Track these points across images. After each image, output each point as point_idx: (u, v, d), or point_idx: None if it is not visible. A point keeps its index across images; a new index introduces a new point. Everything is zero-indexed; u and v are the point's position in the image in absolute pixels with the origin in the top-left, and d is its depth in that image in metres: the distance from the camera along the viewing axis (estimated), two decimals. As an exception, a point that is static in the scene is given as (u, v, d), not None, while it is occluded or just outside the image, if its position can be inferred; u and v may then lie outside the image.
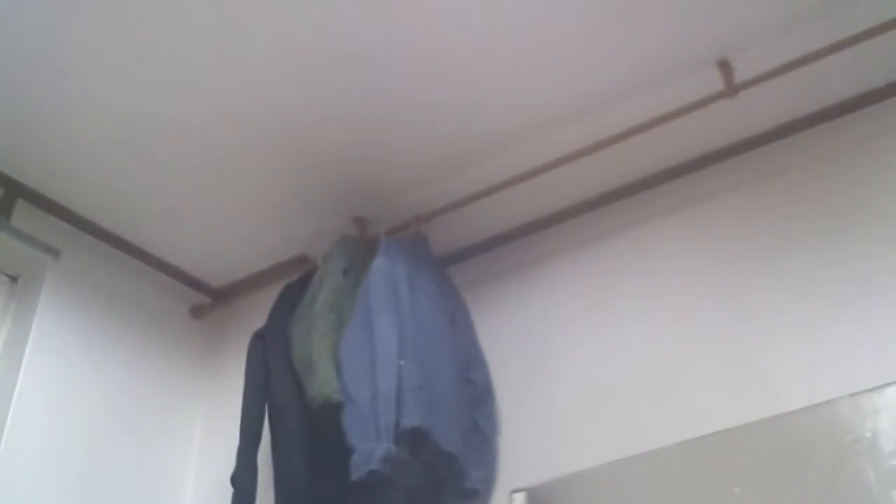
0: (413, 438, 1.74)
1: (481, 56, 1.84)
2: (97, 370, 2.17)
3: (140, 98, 1.90)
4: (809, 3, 1.74)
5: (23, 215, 2.09)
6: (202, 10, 1.72)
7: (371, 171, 2.13)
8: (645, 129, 1.91)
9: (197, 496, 2.28)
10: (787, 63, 1.77)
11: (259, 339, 2.07)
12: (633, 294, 2.01)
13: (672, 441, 1.56)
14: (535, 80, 1.90)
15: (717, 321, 1.87)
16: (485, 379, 2.05)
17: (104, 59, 1.81)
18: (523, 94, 1.93)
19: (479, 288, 2.22)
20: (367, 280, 1.95)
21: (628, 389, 1.89)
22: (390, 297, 1.91)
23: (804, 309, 1.77)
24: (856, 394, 1.40)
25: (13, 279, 2.12)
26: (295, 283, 2.17)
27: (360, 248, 2.13)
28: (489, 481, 1.93)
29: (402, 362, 1.80)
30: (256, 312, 2.16)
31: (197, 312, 2.52)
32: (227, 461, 1.93)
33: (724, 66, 1.84)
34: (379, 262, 1.97)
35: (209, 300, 2.53)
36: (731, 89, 1.83)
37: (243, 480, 1.89)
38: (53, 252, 2.08)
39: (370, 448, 1.69)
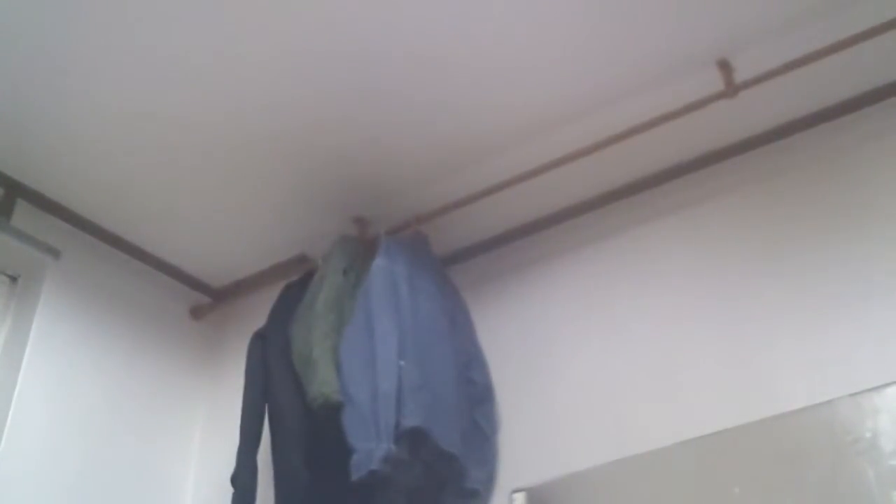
0: (413, 438, 1.74)
1: (481, 56, 1.84)
2: (97, 370, 2.17)
3: (140, 98, 1.90)
4: (809, 3, 1.74)
5: (23, 215, 2.09)
6: (202, 10, 1.72)
7: (371, 171, 2.13)
8: (645, 129, 1.91)
9: (197, 496, 2.28)
10: (787, 63, 1.77)
11: (259, 339, 2.07)
12: (633, 294, 2.01)
13: (672, 441, 1.56)
14: (535, 80, 1.90)
15: (717, 321, 1.87)
16: (485, 379, 2.05)
17: (104, 59, 1.81)
18: (523, 94, 1.93)
19: (479, 288, 2.22)
20: (367, 280, 1.95)
21: (628, 389, 1.89)
22: (390, 298, 1.91)
23: (804, 309, 1.77)
24: (856, 394, 1.40)
25: (13, 279, 2.13)
26: (295, 283, 2.17)
27: (360, 248, 2.13)
28: (489, 481, 1.93)
29: (402, 362, 1.80)
30: (256, 312, 2.17)
31: (197, 312, 2.52)
32: (227, 461, 1.93)
33: (724, 66, 1.84)
34: (379, 262, 1.97)
35: (209, 300, 2.53)
36: (731, 89, 1.83)
37: (243, 480, 1.89)
38: (53, 252, 2.08)
39: (370, 448, 1.69)
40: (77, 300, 2.17)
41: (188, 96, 1.91)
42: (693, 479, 1.51)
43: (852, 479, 1.34)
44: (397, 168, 2.13)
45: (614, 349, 1.96)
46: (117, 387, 2.21)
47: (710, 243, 1.98)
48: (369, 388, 1.77)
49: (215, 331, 2.53)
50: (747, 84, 1.81)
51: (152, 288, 2.41)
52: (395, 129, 2.01)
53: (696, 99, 1.86)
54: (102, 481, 2.09)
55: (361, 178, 2.15)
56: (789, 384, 1.69)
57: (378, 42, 1.80)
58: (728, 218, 1.98)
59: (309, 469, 1.84)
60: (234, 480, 1.89)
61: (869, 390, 1.40)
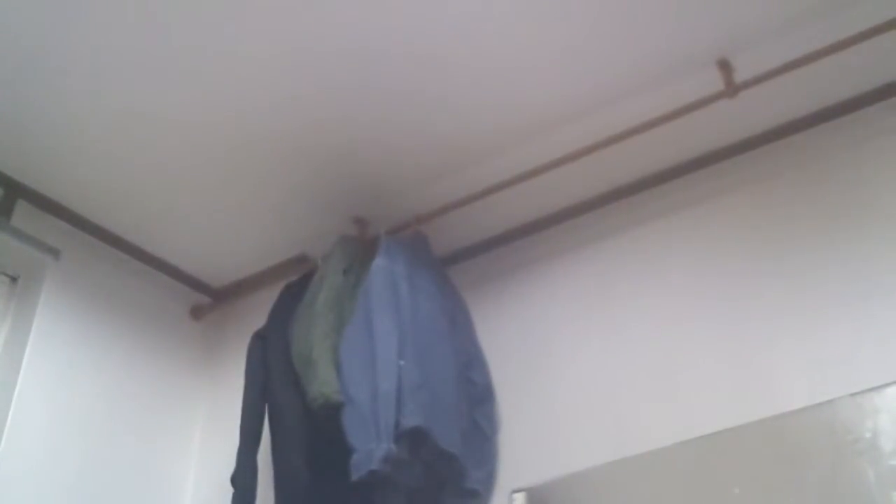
0: (413, 438, 1.74)
1: (481, 56, 1.84)
2: (97, 370, 2.17)
3: (140, 98, 1.90)
4: (809, 3, 1.74)
5: (23, 215, 2.09)
6: (202, 10, 1.72)
7: (371, 171, 2.13)
8: (645, 129, 1.90)
9: (197, 496, 2.28)
10: (787, 63, 1.77)
11: (259, 339, 2.07)
12: (633, 294, 2.01)
13: (672, 441, 1.56)
14: (535, 80, 1.90)
15: (717, 321, 1.87)
16: (485, 379, 2.05)
17: (104, 59, 1.81)
18: (523, 94, 1.93)
19: (479, 288, 2.22)
20: (367, 280, 1.95)
21: (628, 389, 1.89)
22: (390, 297, 1.91)
23: (804, 309, 1.77)
24: (856, 394, 1.40)
25: (13, 279, 2.13)
26: (295, 283, 2.17)
27: (360, 248, 2.13)
28: (489, 481, 1.93)
29: (402, 362, 1.80)
30: (256, 312, 2.17)
31: (197, 313, 2.52)
32: (227, 461, 1.93)
33: (724, 66, 1.84)
34: (379, 262, 1.97)
35: (209, 300, 2.53)
36: (731, 89, 1.83)
37: (243, 480, 1.89)
38: (53, 252, 2.08)
39: (370, 448, 1.69)
40: (77, 300, 2.17)
41: (188, 96, 1.91)
42: (693, 479, 1.51)
43: (852, 479, 1.34)
44: (397, 168, 2.13)
45: (614, 349, 1.96)
46: (117, 387, 2.21)
47: (710, 243, 1.98)
48: (369, 387, 1.77)
49: (215, 331, 2.53)
50: (747, 84, 1.81)
51: (152, 288, 2.41)
52: (395, 129, 2.01)
53: (696, 99, 1.86)
54: (102, 481, 2.09)
55: (361, 178, 2.15)
56: (789, 384, 1.69)
57: (378, 42, 1.80)
58: (728, 218, 1.98)
59: (309, 469, 1.84)
60: (234, 480, 1.89)
61: (869, 390, 1.40)
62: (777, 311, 1.80)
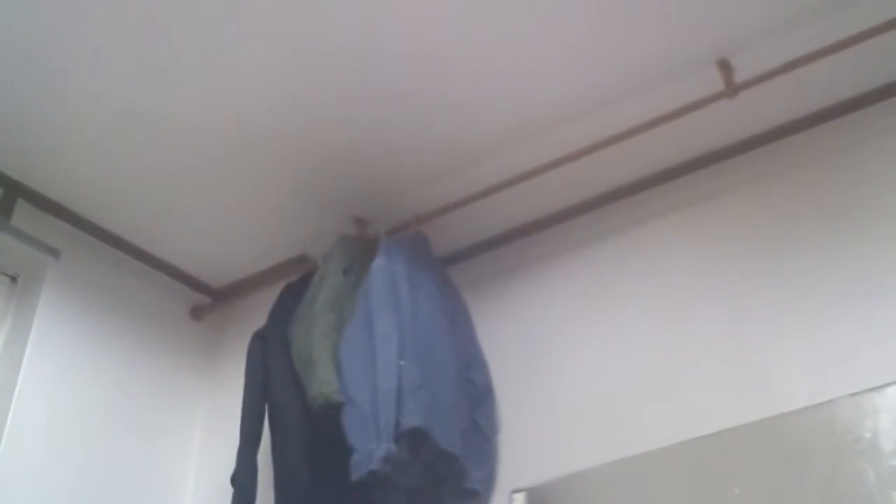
0: (413, 438, 1.74)
1: (481, 56, 1.84)
2: (97, 370, 2.17)
3: (140, 98, 1.90)
4: (809, 3, 1.74)
5: (23, 215, 2.09)
6: (202, 9, 1.72)
7: (371, 171, 2.13)
8: (645, 129, 1.90)
9: (197, 496, 2.28)
10: (787, 63, 1.77)
11: (259, 339, 2.07)
12: (633, 294, 2.01)
13: (672, 441, 1.56)
14: (535, 80, 1.90)
15: (717, 321, 1.87)
16: (485, 379, 2.05)
17: (104, 59, 1.81)
18: (523, 94, 1.93)
19: (479, 288, 2.22)
20: (367, 280, 1.95)
21: (628, 389, 1.89)
22: (390, 298, 1.91)
23: (804, 309, 1.77)
24: (856, 394, 1.40)
25: (13, 279, 2.12)
26: (295, 283, 2.17)
27: (360, 248, 2.13)
28: (489, 481, 1.93)
29: (402, 362, 1.80)
30: (256, 312, 2.17)
31: (197, 313, 2.52)
32: (227, 461, 1.93)
33: (724, 66, 1.84)
34: (379, 262, 1.97)
35: (209, 300, 2.53)
36: (731, 89, 1.83)
37: (243, 480, 1.89)
38: (53, 252, 2.08)
39: (370, 448, 1.69)
40: (77, 300, 2.17)
41: (188, 96, 1.91)
42: (693, 479, 1.51)
43: (852, 479, 1.34)
44: (397, 168, 2.13)
45: (614, 349, 1.96)
46: (117, 387, 2.21)
47: (710, 243, 1.98)
48: (369, 388, 1.77)
49: (215, 331, 2.53)
50: (747, 84, 1.81)
51: (152, 288, 2.41)
52: (395, 129, 2.01)
53: (696, 99, 1.86)
54: (102, 481, 2.09)
55: (361, 178, 2.15)
56: (789, 384, 1.69)
57: (378, 42, 1.80)
58: (728, 218, 1.98)
59: (309, 469, 1.84)
60: (234, 480, 1.89)
61: (869, 390, 1.40)
62: (777, 311, 1.80)
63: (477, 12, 1.74)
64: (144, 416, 2.26)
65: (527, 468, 1.87)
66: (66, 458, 2.03)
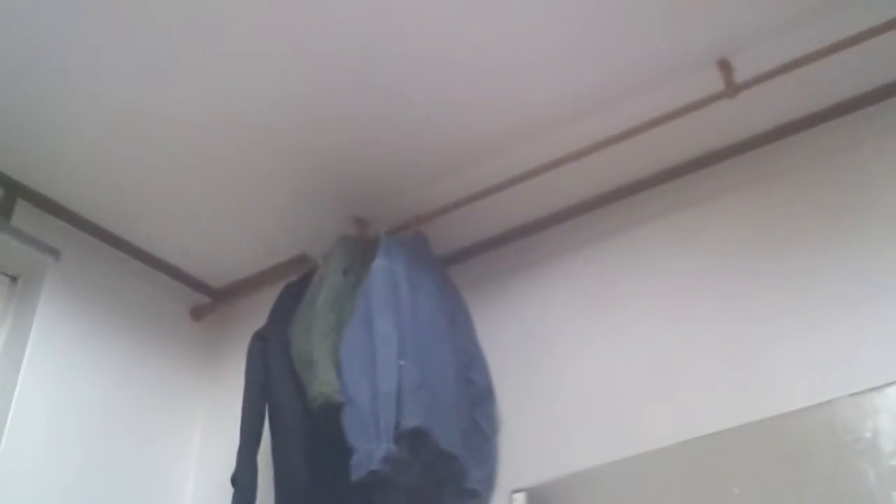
0: (413, 438, 1.74)
1: (481, 56, 1.84)
2: (97, 370, 2.17)
3: (140, 98, 1.90)
4: (809, 3, 1.74)
5: (23, 215, 2.09)
6: (202, 9, 1.72)
7: (371, 171, 2.13)
8: (645, 129, 1.90)
9: (197, 496, 2.28)
10: (787, 63, 1.77)
11: (259, 339, 2.07)
12: (633, 294, 2.01)
13: (672, 441, 1.56)
14: (535, 80, 1.90)
15: (717, 321, 1.87)
16: (485, 379, 2.05)
17: (104, 59, 1.81)
18: (523, 94, 1.93)
19: (479, 288, 2.22)
20: (367, 280, 1.95)
21: (628, 389, 1.89)
22: (390, 298, 1.91)
23: (804, 309, 1.77)
24: (856, 394, 1.40)
25: (13, 279, 2.13)
26: (295, 283, 2.17)
27: (360, 248, 2.13)
28: (489, 481, 1.93)
29: (402, 362, 1.80)
30: (256, 312, 2.16)
31: (197, 313, 2.52)
32: (227, 461, 1.93)
33: (724, 66, 1.84)
34: (379, 263, 1.97)
35: (209, 300, 2.53)
36: (731, 89, 1.83)
37: (243, 480, 1.89)
38: (53, 252, 2.08)
39: (370, 448, 1.69)
40: (77, 300, 2.17)
41: (188, 96, 1.91)
42: (693, 479, 1.51)
43: (852, 479, 1.34)
44: (397, 168, 2.13)
45: (614, 349, 1.96)
46: (117, 387, 2.21)
47: (710, 243, 1.98)
48: (369, 388, 1.77)
49: (215, 331, 2.53)
50: (747, 84, 1.81)
51: (152, 288, 2.41)
52: (395, 129, 2.01)
53: (696, 99, 1.86)
54: (102, 481, 2.09)
55: (361, 178, 2.15)
56: (789, 384, 1.69)
57: (378, 42, 1.80)
58: (728, 218, 1.98)
59: (309, 469, 1.84)
60: (234, 480, 1.89)
61: (869, 390, 1.40)
62: (777, 312, 1.80)
63: (477, 12, 1.74)
64: (144, 416, 2.26)
65: (527, 468, 1.87)
66: (66, 459, 2.03)
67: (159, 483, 2.24)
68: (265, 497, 1.88)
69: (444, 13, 1.74)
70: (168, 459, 2.28)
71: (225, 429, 2.04)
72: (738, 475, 1.45)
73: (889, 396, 1.38)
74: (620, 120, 1.92)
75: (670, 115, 1.88)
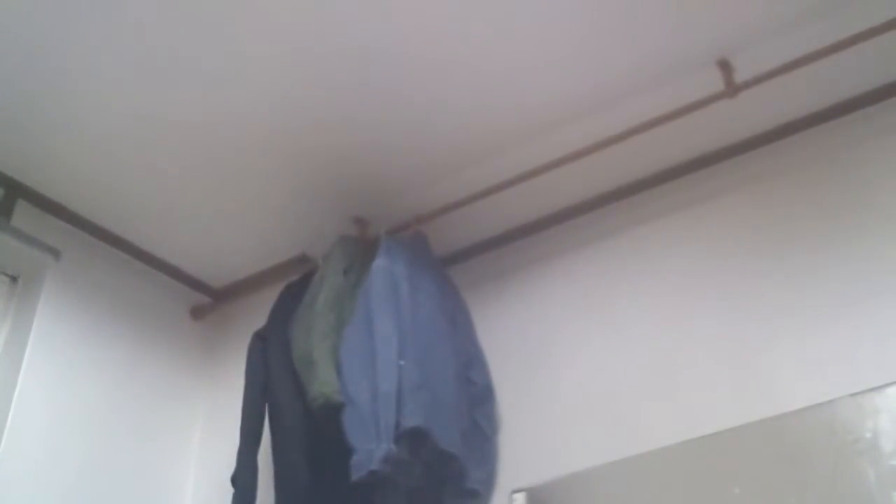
0: (413, 438, 1.74)
1: (481, 56, 1.84)
2: (97, 370, 2.17)
3: (140, 98, 1.90)
4: (809, 3, 1.74)
5: (23, 215, 2.09)
6: (202, 10, 1.72)
7: (371, 171, 2.13)
8: (645, 129, 1.90)
9: (197, 496, 2.28)
10: (787, 63, 1.77)
11: (259, 339, 2.07)
12: (633, 294, 2.01)
13: (672, 441, 1.56)
14: (535, 80, 1.90)
15: (716, 321, 1.87)
16: (485, 379, 2.05)
17: (104, 59, 1.81)
18: (523, 94, 1.93)
19: (479, 288, 2.22)
20: (367, 280, 1.95)
21: (628, 389, 1.89)
22: (390, 298, 1.91)
23: (804, 309, 1.77)
24: (856, 394, 1.40)
25: (13, 279, 2.13)
26: (295, 283, 2.17)
27: (360, 248, 2.13)
28: (489, 481, 1.93)
29: (402, 362, 1.80)
30: (256, 312, 2.17)
31: (197, 313, 2.52)
32: (227, 461, 1.93)
33: (724, 66, 1.84)
34: (379, 263, 1.97)
35: (209, 300, 2.53)
36: (731, 89, 1.83)
37: (243, 480, 1.89)
38: (53, 252, 2.08)
39: (370, 448, 1.69)
40: (77, 300, 2.17)
41: (188, 96, 1.91)
42: (693, 479, 1.51)
43: (852, 479, 1.34)
44: (397, 168, 2.13)
45: (614, 349, 1.96)
46: (117, 387, 2.21)
47: (710, 243, 1.98)
48: (369, 388, 1.77)
49: (215, 331, 2.53)
50: (747, 84, 1.81)
51: (152, 288, 2.41)
52: (395, 130, 2.01)
53: (696, 99, 1.86)
54: (102, 481, 2.09)
55: (361, 178, 2.15)
56: (789, 384, 1.69)
57: (378, 42, 1.80)
58: (728, 218, 1.98)
59: (309, 469, 1.84)
60: (234, 480, 1.89)
61: (869, 390, 1.39)
62: (777, 311, 1.80)
63: (477, 12, 1.74)
64: (144, 416, 2.26)
65: (527, 468, 1.87)
66: (66, 459, 2.03)
67: (159, 483, 2.24)
68: (265, 497, 1.88)
69: (445, 14, 1.74)
70: (168, 459, 2.29)
71: (225, 429, 2.05)
72: (738, 475, 1.44)
73: (889, 396, 1.38)
74: (620, 120, 1.92)
75: (670, 115, 1.88)
